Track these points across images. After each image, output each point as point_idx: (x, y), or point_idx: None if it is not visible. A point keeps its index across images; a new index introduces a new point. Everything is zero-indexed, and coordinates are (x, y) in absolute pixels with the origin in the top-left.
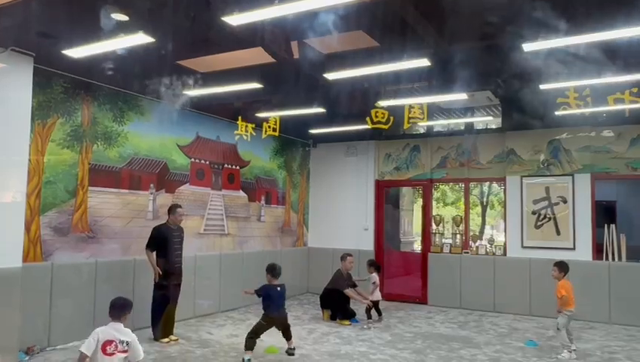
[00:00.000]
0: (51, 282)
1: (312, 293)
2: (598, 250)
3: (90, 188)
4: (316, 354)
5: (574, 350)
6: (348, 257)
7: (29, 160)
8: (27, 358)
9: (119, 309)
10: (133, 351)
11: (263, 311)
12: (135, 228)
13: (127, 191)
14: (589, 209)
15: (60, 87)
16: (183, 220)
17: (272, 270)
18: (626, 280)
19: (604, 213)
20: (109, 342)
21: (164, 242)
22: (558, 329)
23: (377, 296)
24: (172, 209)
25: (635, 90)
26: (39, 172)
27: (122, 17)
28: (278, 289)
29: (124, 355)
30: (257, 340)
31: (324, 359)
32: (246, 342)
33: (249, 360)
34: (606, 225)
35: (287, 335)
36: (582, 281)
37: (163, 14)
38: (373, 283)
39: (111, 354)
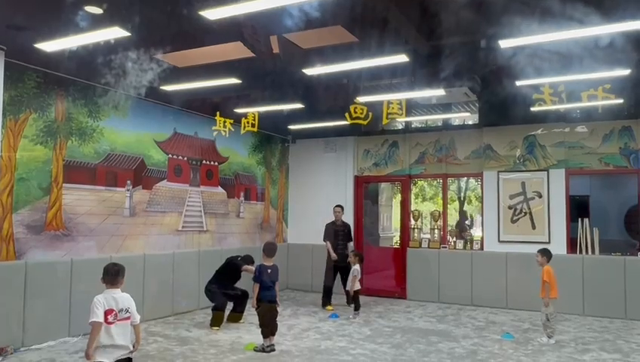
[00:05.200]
0: (25, 281)
1: (291, 289)
2: (572, 244)
3: (64, 185)
4: (296, 349)
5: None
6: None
7: (1, 156)
8: (0, 359)
9: (114, 275)
10: (134, 316)
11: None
12: (111, 225)
13: (103, 187)
14: (564, 203)
15: (32, 81)
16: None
17: (266, 249)
18: (599, 273)
19: (578, 208)
20: (110, 311)
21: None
22: (547, 319)
23: (357, 286)
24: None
25: (607, 86)
26: (11, 169)
27: (97, 10)
28: (269, 270)
29: (126, 322)
30: (238, 334)
31: (305, 354)
32: (262, 333)
33: (268, 346)
34: (580, 220)
35: (272, 328)
36: (556, 274)
37: (139, 8)
38: (355, 275)
39: (111, 323)
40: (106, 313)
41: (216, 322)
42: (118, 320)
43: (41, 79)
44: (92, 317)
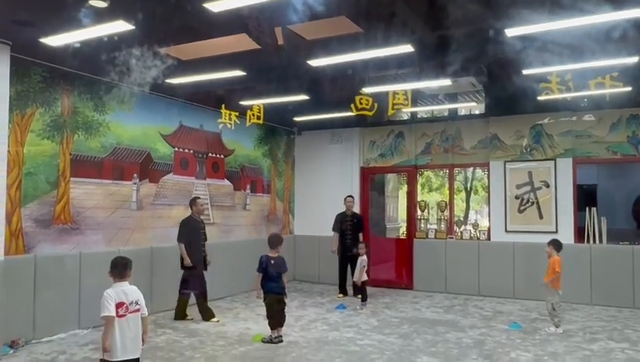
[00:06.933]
0: (34, 274)
1: (298, 281)
2: (580, 233)
3: (72, 178)
4: (304, 340)
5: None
6: (198, 200)
7: (8, 151)
8: (12, 351)
9: (122, 268)
10: (143, 309)
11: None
12: (119, 218)
13: (110, 181)
14: (571, 193)
15: (38, 76)
16: (205, 210)
17: (269, 240)
18: (606, 262)
19: (586, 197)
20: (121, 304)
21: (192, 233)
22: (554, 309)
23: (364, 276)
24: (193, 201)
25: (615, 74)
26: (19, 163)
27: (101, 4)
28: (272, 261)
29: (136, 314)
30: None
31: (312, 345)
32: (269, 325)
33: (275, 337)
34: (587, 209)
35: (279, 319)
36: (564, 264)
37: (143, 1)
38: (364, 266)
39: (122, 316)
40: (117, 306)
41: (180, 314)
42: (129, 313)
43: (46, 74)
44: (104, 311)
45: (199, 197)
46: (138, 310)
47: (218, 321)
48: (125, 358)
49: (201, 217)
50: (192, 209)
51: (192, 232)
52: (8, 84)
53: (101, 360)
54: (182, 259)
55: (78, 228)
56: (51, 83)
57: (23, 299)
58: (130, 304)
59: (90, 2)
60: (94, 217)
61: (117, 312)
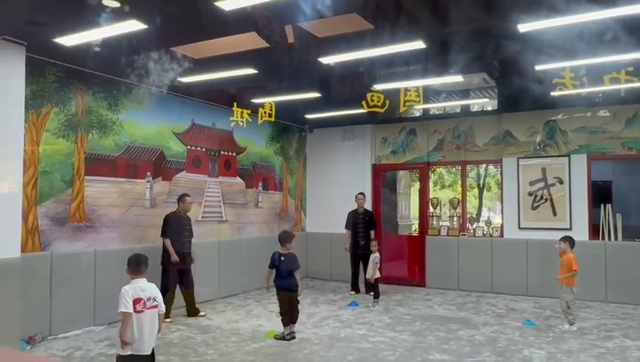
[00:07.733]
0: (51, 272)
1: (310, 278)
2: (595, 230)
3: (86, 177)
4: (316, 337)
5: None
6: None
7: (24, 150)
8: (29, 347)
9: (136, 265)
10: (161, 306)
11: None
12: (133, 216)
13: (123, 179)
14: (585, 189)
15: (53, 76)
16: (192, 208)
17: (278, 238)
18: (622, 259)
19: (600, 193)
20: (138, 301)
21: (175, 229)
22: (568, 306)
23: (377, 274)
24: (181, 198)
25: (630, 69)
26: (35, 162)
27: (114, 4)
28: (283, 258)
29: (154, 311)
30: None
31: (325, 342)
32: (282, 321)
33: (288, 334)
34: (602, 205)
35: (292, 316)
36: (579, 261)
37: (155, 0)
38: (376, 263)
39: (140, 312)
40: (135, 302)
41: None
42: (146, 309)
43: (61, 73)
44: (121, 307)
45: (188, 195)
46: (156, 306)
47: (171, 321)
48: (143, 353)
49: (188, 214)
50: (179, 205)
51: (174, 228)
52: (24, 83)
53: (118, 356)
54: (163, 255)
55: (93, 225)
56: (66, 82)
57: (39, 296)
58: (147, 300)
59: (103, 2)
60: (109, 215)
61: (135, 308)
